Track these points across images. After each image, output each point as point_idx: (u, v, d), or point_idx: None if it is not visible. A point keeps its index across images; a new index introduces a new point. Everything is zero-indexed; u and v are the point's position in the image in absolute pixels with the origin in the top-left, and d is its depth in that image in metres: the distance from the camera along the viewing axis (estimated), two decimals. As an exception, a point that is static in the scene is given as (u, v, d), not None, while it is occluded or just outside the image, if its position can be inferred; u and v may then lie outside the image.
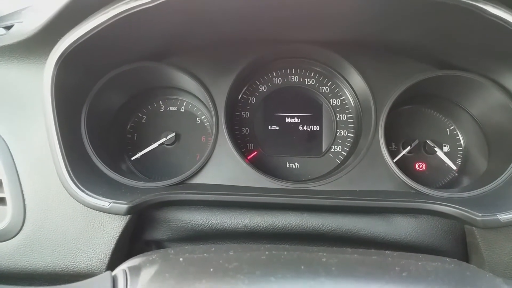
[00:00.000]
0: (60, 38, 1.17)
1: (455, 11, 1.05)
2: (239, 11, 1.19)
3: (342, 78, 1.58)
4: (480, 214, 1.13)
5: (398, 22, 1.23)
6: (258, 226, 1.27)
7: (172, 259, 0.81)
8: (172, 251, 0.85)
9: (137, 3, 1.06)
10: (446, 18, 1.12)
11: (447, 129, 1.58)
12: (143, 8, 1.05)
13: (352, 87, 1.56)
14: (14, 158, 1.26)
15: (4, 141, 1.28)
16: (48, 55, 1.19)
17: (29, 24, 1.29)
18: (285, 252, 0.80)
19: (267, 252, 0.80)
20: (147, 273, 0.76)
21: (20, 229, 1.23)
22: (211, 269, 0.73)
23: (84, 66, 1.29)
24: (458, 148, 1.56)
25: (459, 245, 1.26)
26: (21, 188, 1.25)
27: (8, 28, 1.37)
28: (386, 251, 0.90)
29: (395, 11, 1.14)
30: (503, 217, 1.12)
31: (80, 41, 1.15)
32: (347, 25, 1.30)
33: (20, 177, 1.25)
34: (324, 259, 0.76)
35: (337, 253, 0.81)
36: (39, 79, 1.22)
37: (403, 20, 1.21)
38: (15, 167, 1.26)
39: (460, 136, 1.56)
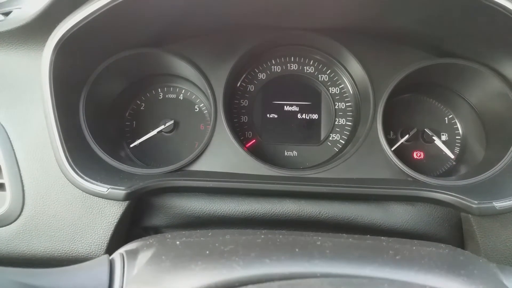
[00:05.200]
0: (58, 24, 1.17)
1: None
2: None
3: (341, 66, 1.58)
4: (476, 202, 1.13)
5: (397, 8, 1.22)
6: (255, 212, 1.28)
7: (169, 243, 0.81)
8: (170, 236, 0.86)
9: None
10: (444, 4, 1.12)
11: (446, 118, 1.57)
12: None
13: (351, 75, 1.56)
14: (12, 144, 1.27)
15: (3, 127, 1.28)
16: (46, 41, 1.19)
17: (28, 9, 1.29)
18: (281, 236, 0.80)
19: (262, 236, 0.80)
20: (144, 256, 0.76)
21: (19, 215, 1.24)
22: (207, 252, 0.74)
23: (83, 52, 1.28)
24: (456, 137, 1.56)
25: (455, 233, 1.27)
26: (20, 174, 1.25)
27: (6, 14, 1.36)
28: (382, 237, 0.90)
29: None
30: (499, 204, 1.13)
31: (78, 27, 1.14)
32: (347, 11, 1.29)
33: (19, 163, 1.26)
34: (318, 243, 0.77)
35: (332, 238, 0.81)
36: (37, 65, 1.22)
37: (402, 6, 1.20)
38: (14, 153, 1.26)
39: (458, 125, 1.56)
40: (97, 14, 1.11)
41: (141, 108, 1.62)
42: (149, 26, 1.34)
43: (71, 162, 1.20)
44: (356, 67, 1.48)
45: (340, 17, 1.36)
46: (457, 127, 1.56)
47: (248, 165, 1.39)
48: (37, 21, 1.20)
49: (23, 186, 1.25)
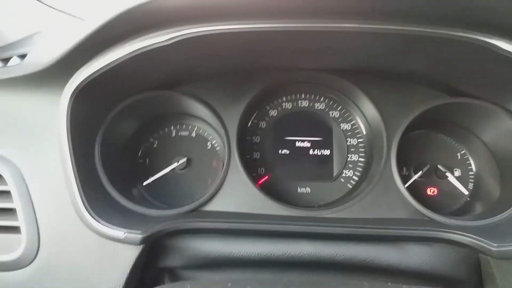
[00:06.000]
0: (75, 71, 1.19)
1: (468, 47, 1.05)
2: (253, 45, 1.21)
3: (352, 104, 1.59)
4: (495, 245, 1.12)
5: (410, 55, 1.24)
6: (271, 254, 1.27)
7: None
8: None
9: (154, 41, 1.07)
10: (459, 52, 1.13)
11: (458, 154, 1.57)
12: (159, 46, 1.07)
13: (363, 112, 1.56)
14: (28, 187, 1.27)
15: (19, 169, 1.29)
16: (63, 86, 1.21)
17: (43, 53, 1.30)
18: None
19: None
20: None
21: (34, 258, 1.24)
22: None
23: (99, 96, 1.30)
24: (469, 173, 1.55)
25: (473, 274, 1.25)
26: (36, 217, 1.25)
27: (22, 56, 1.38)
28: (403, 286, 0.89)
29: (407, 45, 1.15)
30: None
31: (95, 76, 1.17)
32: (359, 56, 1.31)
33: (35, 205, 1.26)
34: None
35: None
36: (53, 109, 1.24)
37: (415, 53, 1.21)
38: (29, 195, 1.27)
39: (471, 161, 1.56)
40: (114, 64, 1.13)
41: (154, 146, 1.62)
42: (163, 72, 1.36)
43: (88, 206, 1.20)
44: (368, 106, 1.49)
45: (353, 62, 1.38)
46: (470, 163, 1.56)
47: (263, 204, 1.39)
48: (54, 68, 1.21)
49: (38, 229, 1.24)
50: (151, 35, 1.07)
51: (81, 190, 1.20)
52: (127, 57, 1.11)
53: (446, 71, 1.31)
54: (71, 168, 1.21)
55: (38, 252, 1.24)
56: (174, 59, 1.25)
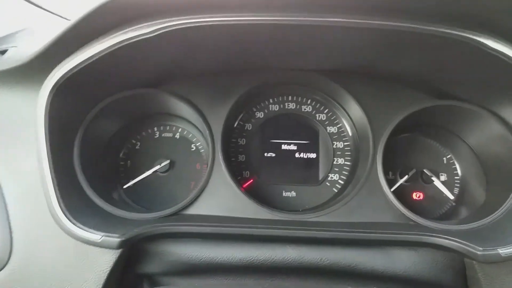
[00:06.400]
0: (55, 66, 1.14)
1: (455, 45, 1.05)
2: (239, 42, 1.18)
3: (339, 106, 1.57)
4: (481, 249, 1.11)
5: (398, 54, 1.23)
6: (254, 259, 1.23)
7: None
8: None
9: (136, 33, 1.04)
10: (446, 51, 1.12)
11: (444, 158, 1.57)
12: (142, 38, 1.04)
13: (349, 115, 1.55)
14: (2, 186, 1.22)
15: None
16: (42, 82, 1.16)
17: (24, 49, 1.26)
18: None
19: None
20: None
21: (6, 263, 1.18)
22: None
23: (80, 93, 1.26)
24: (455, 177, 1.55)
25: (459, 279, 1.23)
26: (8, 219, 1.20)
27: (2, 52, 1.34)
28: None
29: (395, 44, 1.14)
30: (504, 251, 1.10)
31: (76, 70, 1.12)
32: (346, 56, 1.30)
33: (8, 206, 1.20)
34: None
35: None
36: (31, 106, 1.19)
37: (402, 53, 1.21)
38: (3, 195, 1.21)
39: (457, 165, 1.55)
40: (95, 58, 1.10)
41: (136, 147, 1.58)
42: (147, 68, 1.33)
43: (64, 207, 1.15)
44: (354, 108, 1.48)
45: (340, 61, 1.36)
46: (456, 167, 1.55)
47: (247, 208, 1.36)
48: (34, 63, 1.17)
49: (11, 232, 1.19)
50: (135, 27, 1.04)
51: (57, 191, 1.16)
52: (109, 51, 1.07)
53: (434, 72, 1.30)
54: (48, 168, 1.16)
55: (11, 257, 1.18)
56: (159, 54, 1.21)
